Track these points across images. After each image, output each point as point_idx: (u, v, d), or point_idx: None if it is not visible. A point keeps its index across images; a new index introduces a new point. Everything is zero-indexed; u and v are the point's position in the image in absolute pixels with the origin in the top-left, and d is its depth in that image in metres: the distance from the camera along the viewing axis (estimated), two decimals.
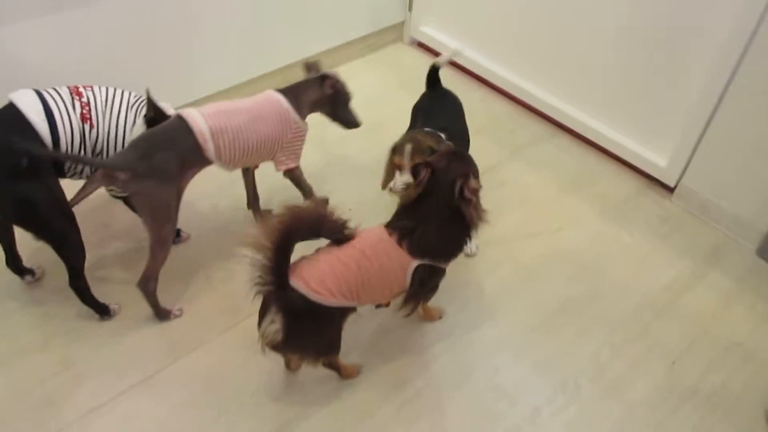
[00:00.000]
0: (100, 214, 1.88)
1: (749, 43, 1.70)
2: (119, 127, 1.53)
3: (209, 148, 1.49)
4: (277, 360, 1.53)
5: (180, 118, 1.49)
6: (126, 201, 1.64)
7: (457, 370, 1.59)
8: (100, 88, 1.54)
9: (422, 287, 1.44)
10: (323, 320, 1.34)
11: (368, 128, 2.26)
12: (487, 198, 2.04)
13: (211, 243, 1.85)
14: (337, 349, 1.43)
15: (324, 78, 1.68)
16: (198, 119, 1.48)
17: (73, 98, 1.48)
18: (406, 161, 1.56)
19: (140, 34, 1.97)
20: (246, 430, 1.44)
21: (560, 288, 1.81)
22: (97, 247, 1.77)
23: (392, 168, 1.62)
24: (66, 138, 1.45)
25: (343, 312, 1.38)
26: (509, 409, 1.52)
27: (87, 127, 1.48)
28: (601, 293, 1.80)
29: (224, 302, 1.69)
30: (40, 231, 1.45)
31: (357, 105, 1.80)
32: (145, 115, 1.56)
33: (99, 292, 1.60)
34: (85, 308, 1.59)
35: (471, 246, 1.79)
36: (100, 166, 1.47)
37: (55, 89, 1.48)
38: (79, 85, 1.52)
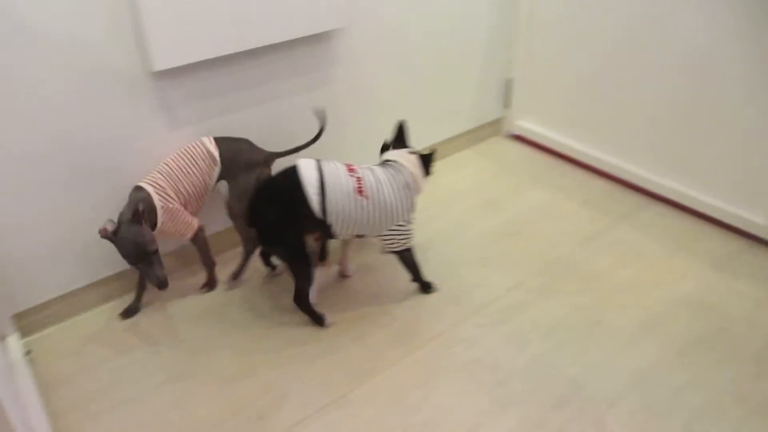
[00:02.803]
0: None
1: None
2: (389, 198, 1.87)
3: None
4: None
5: None
6: None
7: (605, 388, 1.78)
8: (368, 167, 1.91)
9: None
10: None
11: (485, 202, 2.63)
12: (605, 254, 2.32)
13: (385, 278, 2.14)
14: None
15: None
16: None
17: (349, 175, 1.83)
18: None
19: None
20: None
21: (686, 326, 2.00)
22: None
23: None
24: (336, 210, 1.80)
25: None
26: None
27: (362, 199, 1.82)
28: (727, 330, 1.99)
29: (396, 337, 1.96)
30: (288, 261, 1.93)
31: (467, 188, 2.21)
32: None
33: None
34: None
35: None
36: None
37: (334, 164, 1.84)
38: (352, 164, 1.88)
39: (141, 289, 2.04)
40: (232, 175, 1.98)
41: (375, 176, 1.89)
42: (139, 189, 1.84)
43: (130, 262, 1.77)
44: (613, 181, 2.80)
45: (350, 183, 1.82)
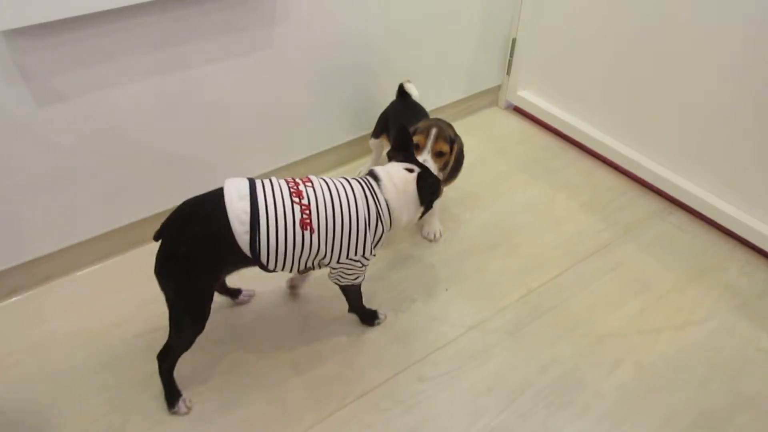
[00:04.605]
0: None
1: None
2: (345, 229, 1.39)
3: None
4: None
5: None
6: None
7: None
8: (322, 181, 1.41)
9: None
10: None
11: (465, 196, 2.14)
12: (600, 283, 1.85)
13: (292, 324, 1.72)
14: None
15: None
16: None
17: (292, 202, 1.34)
18: (429, 143, 1.68)
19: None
20: None
21: (692, 397, 1.56)
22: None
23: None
24: (271, 249, 1.33)
25: None
26: None
27: (308, 233, 1.35)
28: (742, 406, 1.54)
29: (318, 389, 1.54)
30: (171, 309, 1.37)
31: None
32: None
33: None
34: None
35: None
36: None
37: (273, 187, 1.34)
38: (299, 181, 1.39)
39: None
40: None
41: (332, 197, 1.38)
42: None
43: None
44: (625, 176, 2.28)
45: (293, 213, 1.33)
